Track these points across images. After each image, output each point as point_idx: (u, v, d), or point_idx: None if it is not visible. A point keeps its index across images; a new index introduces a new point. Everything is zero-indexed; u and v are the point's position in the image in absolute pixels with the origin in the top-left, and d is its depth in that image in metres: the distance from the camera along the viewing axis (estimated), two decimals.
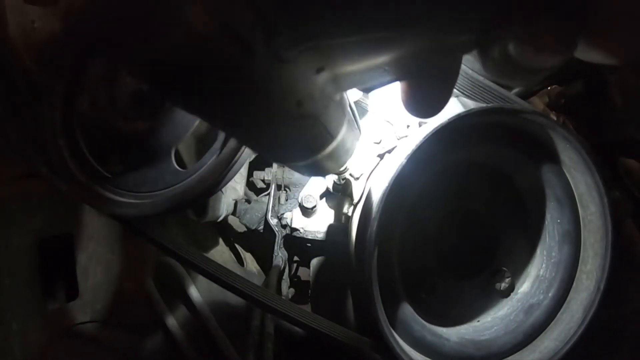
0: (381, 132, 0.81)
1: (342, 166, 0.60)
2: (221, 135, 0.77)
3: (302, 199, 0.90)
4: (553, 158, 0.80)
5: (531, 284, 0.85)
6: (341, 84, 0.38)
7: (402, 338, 0.75)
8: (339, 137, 0.44)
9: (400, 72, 0.37)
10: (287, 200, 1.00)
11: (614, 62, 0.33)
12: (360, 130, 0.53)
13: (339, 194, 0.89)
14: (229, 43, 0.27)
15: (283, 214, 0.97)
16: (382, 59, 0.35)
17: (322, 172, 0.57)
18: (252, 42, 0.28)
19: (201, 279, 0.95)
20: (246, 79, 0.30)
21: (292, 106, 0.34)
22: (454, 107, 0.81)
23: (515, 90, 0.90)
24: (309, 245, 0.95)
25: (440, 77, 0.37)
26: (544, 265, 0.85)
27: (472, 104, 0.80)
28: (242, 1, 0.27)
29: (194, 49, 0.27)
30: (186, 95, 0.33)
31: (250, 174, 1.06)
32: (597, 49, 0.32)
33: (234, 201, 1.02)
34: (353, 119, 0.49)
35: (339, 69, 0.35)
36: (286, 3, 0.28)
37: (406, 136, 0.80)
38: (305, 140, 0.41)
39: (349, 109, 0.46)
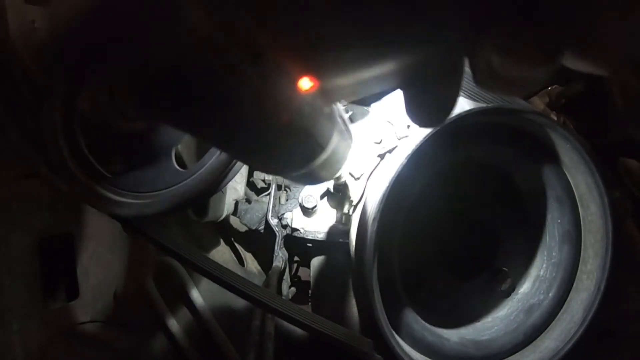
0: (382, 132, 0.81)
1: (335, 174, 0.61)
2: None
3: (302, 199, 0.90)
4: (553, 158, 0.80)
5: (531, 284, 0.85)
6: (330, 97, 0.37)
7: (402, 338, 0.75)
8: (330, 148, 0.44)
9: (395, 82, 0.36)
10: (287, 200, 1.00)
11: (602, 72, 0.33)
12: (352, 140, 0.53)
13: (340, 194, 0.89)
14: (214, 61, 0.27)
15: (283, 214, 0.97)
16: (370, 73, 0.34)
17: (315, 181, 0.57)
18: (238, 61, 0.28)
19: (202, 279, 0.95)
20: (232, 96, 0.30)
21: (279, 121, 0.34)
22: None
23: None
24: (310, 245, 0.95)
25: (443, 84, 0.37)
26: (544, 265, 0.85)
27: (472, 104, 0.80)
28: (229, 19, 0.27)
29: (181, 65, 0.27)
30: (169, 113, 0.33)
31: (250, 174, 1.06)
32: (584, 60, 0.32)
33: (235, 201, 1.02)
34: (344, 129, 0.49)
35: (326, 83, 0.35)
36: (270, 23, 0.28)
37: (407, 136, 0.80)
38: (296, 153, 0.41)
39: (339, 119, 0.46)
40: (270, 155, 0.40)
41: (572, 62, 0.32)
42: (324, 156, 0.44)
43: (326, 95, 0.36)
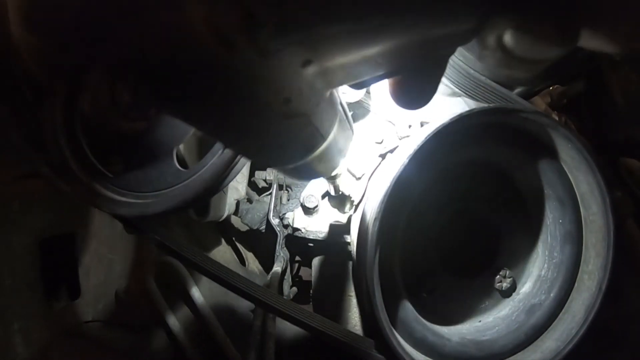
0: (383, 132, 0.81)
1: (334, 169, 0.58)
2: None
3: (303, 199, 0.90)
4: (555, 158, 0.80)
5: (533, 284, 0.85)
6: (331, 78, 0.36)
7: (403, 338, 0.75)
8: (330, 138, 0.42)
9: (391, 66, 0.36)
10: (288, 200, 1.00)
11: (616, 51, 0.33)
12: (353, 131, 0.51)
13: (341, 194, 0.89)
14: (210, 37, 0.26)
15: (285, 213, 0.97)
16: (373, 50, 0.33)
17: (312, 175, 0.55)
18: (233, 34, 0.26)
19: (203, 278, 0.95)
20: (228, 75, 0.29)
21: (279, 104, 0.32)
22: (456, 106, 0.81)
23: (518, 90, 0.90)
24: (311, 245, 0.95)
25: (428, 71, 0.37)
26: (545, 265, 0.85)
27: (474, 104, 0.80)
28: None
29: (176, 46, 0.26)
30: (168, 96, 0.31)
31: (252, 174, 1.06)
32: (600, 39, 0.31)
33: (236, 201, 1.02)
34: (345, 118, 0.47)
35: (327, 61, 0.33)
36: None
37: (408, 136, 0.80)
38: (295, 141, 0.39)
39: (340, 108, 0.44)
40: (268, 143, 0.38)
41: (588, 41, 0.31)
42: (323, 146, 0.42)
43: (326, 75, 0.34)
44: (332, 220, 0.92)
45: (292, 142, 0.39)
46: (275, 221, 0.97)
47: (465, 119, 0.68)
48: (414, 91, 0.38)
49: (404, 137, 0.80)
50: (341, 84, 0.39)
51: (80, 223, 0.92)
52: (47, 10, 0.26)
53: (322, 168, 0.49)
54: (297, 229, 0.93)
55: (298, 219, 0.93)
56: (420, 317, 0.78)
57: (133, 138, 0.77)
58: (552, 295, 0.82)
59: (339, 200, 0.91)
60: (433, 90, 0.38)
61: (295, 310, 0.73)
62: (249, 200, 1.05)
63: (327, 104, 0.39)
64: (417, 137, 0.70)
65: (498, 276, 0.85)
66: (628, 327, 0.94)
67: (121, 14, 0.25)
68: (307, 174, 0.53)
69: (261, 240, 1.07)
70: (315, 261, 0.98)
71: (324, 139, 0.41)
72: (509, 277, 0.85)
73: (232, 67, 0.28)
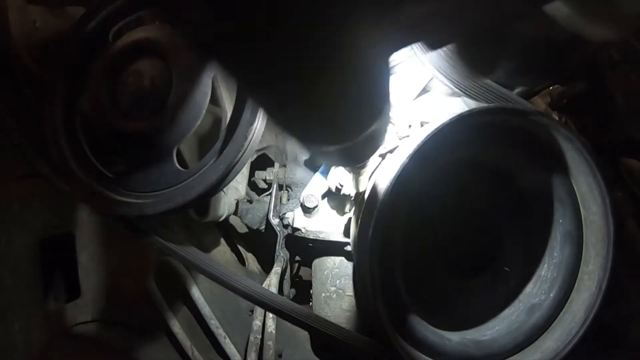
0: None
1: (372, 154, 0.54)
2: (223, 135, 0.76)
3: (303, 199, 0.90)
4: (555, 158, 0.80)
5: (533, 284, 0.85)
6: (398, 36, 0.31)
7: (403, 338, 0.75)
8: (385, 113, 0.38)
9: (464, 23, 0.33)
10: (288, 200, 1.00)
11: None
12: (389, 115, 0.47)
13: (341, 194, 0.89)
14: None
15: (285, 213, 0.97)
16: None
17: (355, 158, 0.51)
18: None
19: (203, 278, 0.95)
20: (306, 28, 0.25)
21: (351, 64, 0.28)
22: (456, 106, 0.81)
23: (518, 90, 0.90)
24: (311, 245, 0.95)
25: (491, 42, 0.35)
26: (545, 265, 0.84)
27: (474, 104, 0.80)
28: None
29: None
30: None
31: (252, 174, 1.06)
32: None
33: (236, 201, 1.02)
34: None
35: (401, 14, 0.29)
36: None
37: (408, 136, 0.80)
38: (355, 112, 0.35)
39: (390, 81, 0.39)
40: (333, 117, 0.33)
41: None
42: (377, 123, 0.37)
43: (395, 32, 0.30)
44: (332, 220, 0.92)
45: (352, 112, 0.34)
46: (275, 221, 0.97)
47: (465, 119, 0.68)
48: (474, 59, 0.36)
49: (404, 137, 0.80)
50: (402, 45, 0.35)
51: (80, 223, 0.92)
52: None
53: (366, 151, 0.46)
54: (297, 229, 0.93)
55: (298, 219, 0.93)
56: (421, 318, 0.78)
57: (133, 138, 0.77)
58: (552, 295, 0.82)
59: (339, 200, 0.91)
60: (494, 62, 0.36)
61: (295, 310, 0.73)
62: (249, 200, 1.05)
63: (388, 72, 0.35)
64: (417, 137, 0.70)
65: (498, 276, 0.85)
66: (628, 327, 0.94)
67: None
68: (350, 156, 0.48)
69: (261, 241, 1.07)
70: (316, 261, 0.98)
71: (379, 112, 0.37)
72: (509, 278, 0.85)
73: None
